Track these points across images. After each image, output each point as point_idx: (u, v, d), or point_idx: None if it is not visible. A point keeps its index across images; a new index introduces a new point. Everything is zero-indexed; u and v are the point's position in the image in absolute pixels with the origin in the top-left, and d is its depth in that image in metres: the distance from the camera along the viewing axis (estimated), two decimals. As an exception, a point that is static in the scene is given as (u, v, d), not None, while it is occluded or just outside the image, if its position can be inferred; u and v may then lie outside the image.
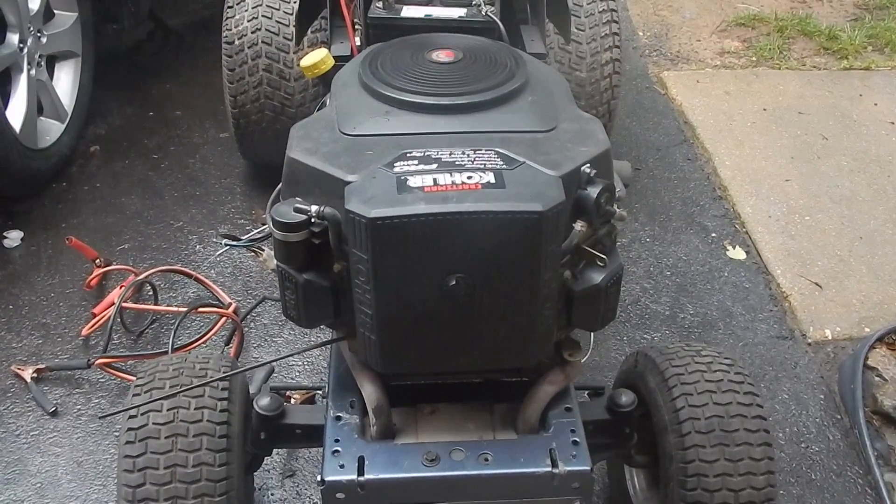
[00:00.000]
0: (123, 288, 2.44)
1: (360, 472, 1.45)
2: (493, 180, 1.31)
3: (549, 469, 1.46)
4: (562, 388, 1.57)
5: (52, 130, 2.96)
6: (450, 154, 1.36)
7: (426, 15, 1.86)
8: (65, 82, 3.07)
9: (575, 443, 1.50)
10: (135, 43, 3.70)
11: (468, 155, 1.36)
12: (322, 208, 1.35)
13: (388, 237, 1.28)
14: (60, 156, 2.99)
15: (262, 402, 1.69)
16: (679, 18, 4.27)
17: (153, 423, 1.56)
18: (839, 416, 2.35)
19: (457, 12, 1.87)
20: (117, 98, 3.43)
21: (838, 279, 2.80)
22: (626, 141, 3.33)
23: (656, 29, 4.17)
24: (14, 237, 2.78)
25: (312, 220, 1.35)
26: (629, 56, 3.78)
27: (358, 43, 2.00)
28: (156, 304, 2.53)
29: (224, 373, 1.66)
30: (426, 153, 1.36)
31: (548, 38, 2.55)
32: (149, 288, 2.56)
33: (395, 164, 1.34)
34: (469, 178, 1.31)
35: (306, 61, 1.71)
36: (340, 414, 1.56)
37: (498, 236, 1.29)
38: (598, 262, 1.42)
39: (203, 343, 2.36)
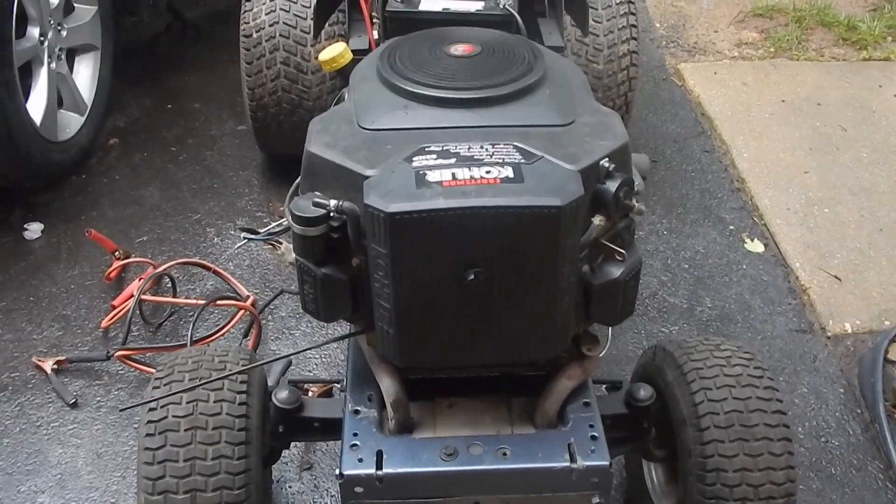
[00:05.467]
0: (142, 280, 2.46)
1: (379, 465, 1.45)
2: (511, 175, 1.30)
3: (568, 464, 1.46)
4: (580, 382, 1.57)
5: (71, 123, 2.98)
6: (468, 148, 1.36)
7: (444, 8, 1.86)
8: (84, 75, 3.08)
9: (593, 437, 1.50)
10: (153, 35, 3.70)
11: (487, 149, 1.36)
12: (341, 202, 1.35)
13: (407, 231, 1.28)
14: (80, 148, 3.00)
15: (281, 396, 1.69)
16: (696, 9, 4.23)
17: (173, 416, 1.57)
18: (859, 411, 2.34)
19: (474, 6, 1.87)
20: (136, 90, 3.44)
21: (858, 272, 2.78)
22: (643, 133, 3.31)
23: (673, 20, 4.14)
24: (34, 229, 2.80)
25: (331, 214, 1.35)
26: (646, 47, 3.75)
27: (376, 37, 1.99)
28: (174, 296, 2.54)
29: (243, 366, 1.67)
30: (445, 147, 1.36)
31: (565, 31, 2.55)
32: (167, 280, 2.57)
33: (414, 159, 1.34)
34: (488, 172, 1.31)
35: (325, 55, 1.71)
36: (358, 408, 1.57)
37: (517, 231, 1.28)
38: (617, 257, 1.41)
39: (221, 336, 2.37)
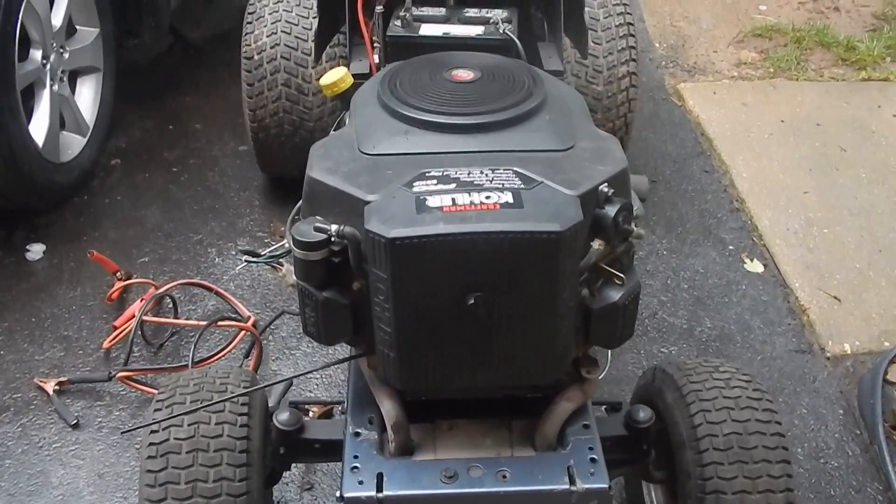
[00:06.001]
0: (144, 301, 2.47)
1: (379, 488, 1.46)
2: (511, 200, 1.32)
3: (568, 486, 1.46)
4: (580, 405, 1.58)
5: (73, 144, 3.00)
6: (468, 174, 1.37)
7: (444, 33, 1.88)
8: (87, 97, 3.10)
9: (593, 460, 1.51)
10: (155, 57, 3.72)
11: (486, 174, 1.37)
12: (342, 227, 1.36)
13: (407, 257, 1.29)
14: (82, 169, 3.02)
15: (282, 418, 1.70)
16: (696, 29, 4.26)
17: (174, 439, 1.58)
18: (858, 431, 2.34)
19: (474, 30, 1.89)
20: (138, 111, 3.47)
21: (857, 292, 2.78)
22: (642, 153, 3.33)
23: (673, 40, 4.17)
24: (36, 250, 2.81)
25: (332, 239, 1.37)
26: (645, 68, 3.78)
27: (376, 61, 2.01)
28: (176, 317, 2.55)
29: (244, 388, 1.68)
30: (445, 173, 1.38)
31: (564, 53, 2.57)
32: (169, 301, 2.58)
33: (415, 184, 1.36)
34: (487, 197, 1.32)
35: (325, 80, 1.73)
36: (359, 430, 1.57)
37: (516, 256, 1.30)
38: (616, 281, 1.42)
39: (222, 357, 2.38)
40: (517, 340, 1.38)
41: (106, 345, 2.45)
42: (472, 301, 1.32)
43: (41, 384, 2.35)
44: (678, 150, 3.41)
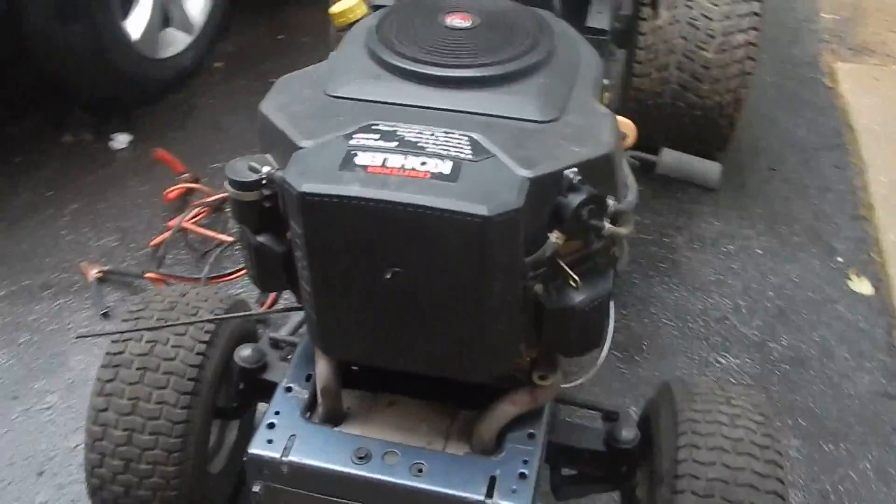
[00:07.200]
0: (193, 207, 2.47)
1: (286, 452, 1.36)
2: (447, 171, 1.14)
3: (482, 498, 1.30)
4: (526, 410, 1.40)
5: (177, 42, 3.01)
6: (418, 133, 1.20)
7: None
8: (198, -4, 3.10)
9: (522, 475, 1.33)
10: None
11: (437, 137, 1.20)
12: (273, 170, 1.24)
13: (318, 215, 1.15)
14: (180, 67, 3.04)
15: (243, 353, 1.64)
16: (877, 1, 3.70)
17: (129, 353, 1.57)
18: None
19: None
20: (252, 18, 3.45)
21: (978, 339, 2.36)
22: (766, 135, 2.95)
23: (845, 12, 3.64)
24: (121, 140, 2.87)
25: (263, 181, 1.25)
26: (801, 38, 3.33)
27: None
28: (223, 230, 2.53)
29: (214, 315, 1.63)
30: (393, 128, 1.22)
31: (675, 10, 2.29)
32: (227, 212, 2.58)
33: (355, 136, 1.21)
34: (423, 164, 1.15)
35: (336, 7, 1.58)
36: (292, 385, 1.48)
37: (436, 236, 1.13)
38: (571, 283, 1.22)
39: (237, 277, 2.35)
40: (441, 328, 1.23)
41: (152, 243, 2.48)
42: (390, 276, 1.17)
43: (85, 270, 2.42)
44: (811, 137, 2.99)
